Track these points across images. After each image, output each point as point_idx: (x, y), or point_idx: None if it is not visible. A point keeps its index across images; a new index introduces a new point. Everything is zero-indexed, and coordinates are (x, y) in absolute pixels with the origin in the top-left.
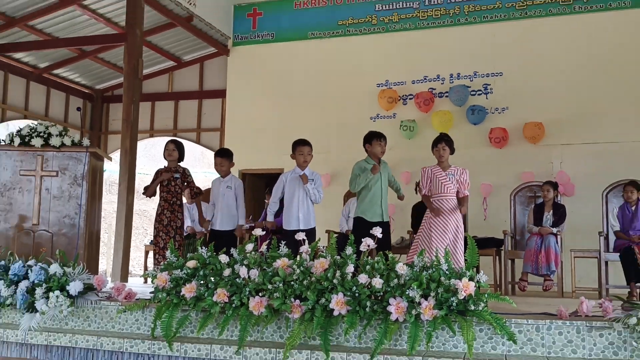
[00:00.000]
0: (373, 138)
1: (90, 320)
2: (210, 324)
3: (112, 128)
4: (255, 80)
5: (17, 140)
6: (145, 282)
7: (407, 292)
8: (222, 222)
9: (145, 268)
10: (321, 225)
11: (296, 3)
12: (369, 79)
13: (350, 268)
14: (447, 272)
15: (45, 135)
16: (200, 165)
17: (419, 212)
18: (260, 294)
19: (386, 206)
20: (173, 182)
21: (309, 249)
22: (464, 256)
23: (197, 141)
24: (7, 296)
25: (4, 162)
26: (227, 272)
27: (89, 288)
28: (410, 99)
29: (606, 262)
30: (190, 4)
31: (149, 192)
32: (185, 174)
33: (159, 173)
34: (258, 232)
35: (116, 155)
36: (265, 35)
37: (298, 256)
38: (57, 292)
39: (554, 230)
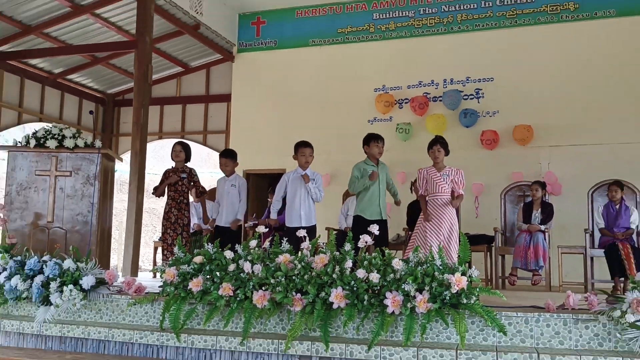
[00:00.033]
0: (371, 140)
1: (102, 313)
2: (215, 316)
3: (123, 130)
4: (259, 85)
5: (32, 142)
6: (154, 276)
7: (402, 286)
8: (227, 219)
9: (154, 263)
10: (321, 223)
11: (298, 12)
12: (366, 84)
13: (348, 263)
14: (440, 267)
15: (60, 137)
16: (206, 165)
17: (414, 210)
18: (263, 288)
19: (384, 205)
20: (180, 182)
21: (310, 245)
22: (457, 252)
23: (204, 143)
24: (23, 290)
25: (21, 162)
26: (232, 267)
27: (100, 282)
28: (405, 103)
29: (592, 258)
30: (197, 12)
31: (158, 192)
32: (191, 174)
33: (167, 173)
34: (261, 229)
35: (127, 156)
36: (268, 43)
37: (299, 252)
38: (70, 286)
39: (542, 227)
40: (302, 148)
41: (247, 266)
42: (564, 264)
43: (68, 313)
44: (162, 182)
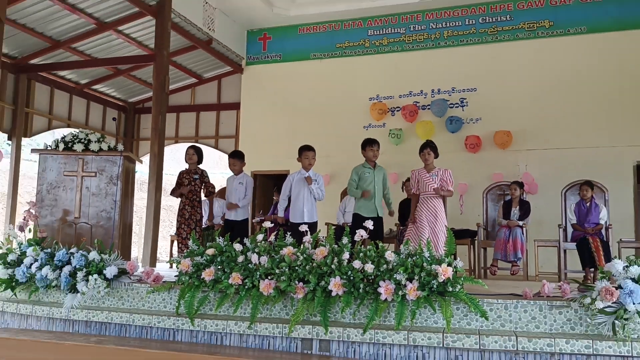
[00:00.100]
0: (366, 144)
1: (124, 300)
2: (226, 303)
3: (143, 135)
4: (265, 94)
5: (61, 146)
6: (171, 267)
7: (394, 276)
8: (236, 213)
9: (171, 255)
10: (321, 219)
11: (300, 29)
12: (362, 94)
13: (346, 255)
14: (428, 259)
15: (86, 142)
16: (218, 167)
17: (405, 208)
18: (269, 277)
19: (379, 203)
20: (193, 182)
21: (311, 239)
22: (444, 243)
23: (216, 147)
24: (52, 279)
25: (51, 164)
26: (240, 258)
27: (122, 272)
28: (397, 110)
29: (565, 250)
30: (209, 29)
31: (174, 194)
32: (203, 175)
33: (181, 175)
34: (267, 224)
35: (146, 159)
36: (273, 56)
37: (302, 245)
38: (95, 276)
39: (520, 223)
40: (306, 151)
41: (254, 258)
42: (539, 255)
43: (93, 300)
44: (177, 184)
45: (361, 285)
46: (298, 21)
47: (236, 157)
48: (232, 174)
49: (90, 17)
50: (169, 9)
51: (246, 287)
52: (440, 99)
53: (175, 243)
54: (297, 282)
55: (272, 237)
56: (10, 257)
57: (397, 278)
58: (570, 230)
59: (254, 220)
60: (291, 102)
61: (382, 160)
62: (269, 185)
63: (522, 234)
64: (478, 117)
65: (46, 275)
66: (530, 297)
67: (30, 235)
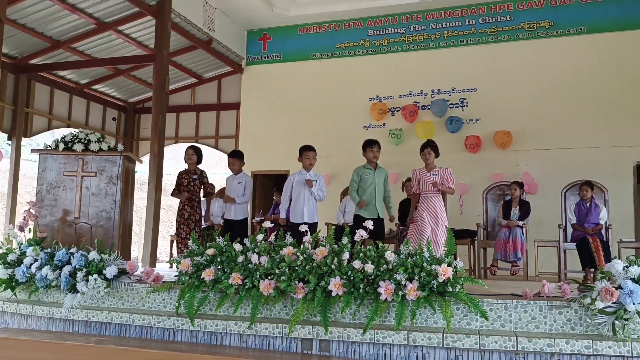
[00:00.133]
0: (366, 146)
1: (124, 300)
2: (226, 303)
3: (143, 135)
4: (265, 94)
5: (61, 146)
6: (171, 267)
7: (394, 276)
8: (236, 213)
9: (171, 255)
10: (321, 219)
11: (300, 29)
12: (362, 94)
13: (346, 255)
14: (428, 259)
15: (86, 142)
16: (218, 167)
17: (405, 208)
18: (269, 277)
19: (380, 205)
20: (192, 183)
21: (311, 239)
22: (445, 241)
23: (216, 147)
24: (52, 279)
25: (51, 164)
26: (240, 258)
27: (122, 272)
28: (397, 111)
29: (564, 251)
30: (209, 29)
31: (175, 196)
32: (202, 175)
33: (180, 175)
34: (267, 224)
35: (146, 159)
36: (274, 56)
37: (302, 245)
38: (95, 276)
39: (520, 223)
40: (306, 151)
41: (254, 258)
42: (539, 256)
43: (93, 300)
44: (177, 185)
45: (361, 285)
46: (298, 21)
47: (235, 157)
48: (231, 173)
49: (90, 17)
50: (169, 9)
51: (246, 287)
52: (440, 99)
53: (175, 243)
54: (297, 282)
55: (272, 237)
56: (10, 257)
57: (397, 278)
58: (570, 230)
59: (254, 220)
60: (291, 102)
61: (382, 161)
62: (269, 185)
63: (522, 234)
64: (478, 117)
65: (46, 275)
66: (530, 297)
67: (30, 235)
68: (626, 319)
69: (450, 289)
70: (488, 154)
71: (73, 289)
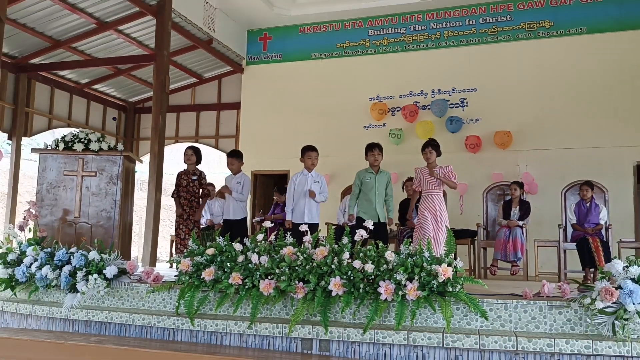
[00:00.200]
0: (368, 150)
1: (124, 300)
2: (226, 303)
3: (143, 135)
4: (266, 94)
5: (61, 145)
6: (171, 267)
7: (394, 276)
8: (235, 213)
9: (171, 255)
10: (321, 219)
11: (301, 29)
12: (362, 94)
13: (346, 255)
14: (428, 258)
15: (86, 141)
16: (218, 167)
17: (405, 208)
18: (269, 277)
19: (381, 209)
20: (192, 183)
21: (311, 239)
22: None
23: (216, 146)
24: (52, 278)
25: (51, 164)
26: (240, 258)
27: (122, 272)
28: (397, 110)
29: (564, 251)
30: (210, 29)
31: (174, 200)
32: (201, 176)
33: (179, 176)
34: (267, 224)
35: (146, 158)
36: (274, 56)
37: (302, 245)
38: (95, 275)
39: (520, 223)
40: (309, 152)
41: (254, 257)
42: (539, 256)
43: (93, 299)
44: (176, 185)
45: (361, 285)
46: (298, 21)
47: (234, 157)
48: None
49: (90, 16)
50: (169, 9)
51: (246, 287)
52: (440, 99)
53: (174, 243)
54: (297, 282)
55: (272, 237)
56: (10, 257)
57: (397, 278)
58: (570, 230)
59: (253, 220)
60: (291, 102)
61: (382, 161)
62: (269, 185)
63: (522, 234)
64: (478, 117)
65: (46, 275)
66: (530, 297)
67: (30, 235)
68: (626, 319)
69: (450, 289)
70: (488, 154)
71: (73, 288)
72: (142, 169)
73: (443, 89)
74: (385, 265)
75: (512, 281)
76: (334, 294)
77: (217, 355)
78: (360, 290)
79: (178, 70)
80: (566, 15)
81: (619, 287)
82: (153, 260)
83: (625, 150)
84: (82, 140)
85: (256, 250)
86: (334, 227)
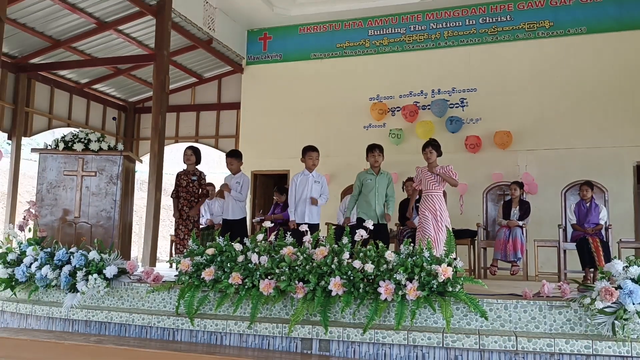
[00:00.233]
0: (368, 151)
1: (124, 299)
2: (226, 302)
3: (143, 135)
4: (266, 94)
5: (61, 145)
6: (171, 266)
7: (394, 276)
8: (234, 212)
9: (171, 255)
10: (321, 219)
11: (301, 29)
12: (362, 94)
13: (346, 255)
14: (428, 258)
15: (86, 141)
16: (218, 167)
17: (405, 208)
18: (269, 277)
19: (380, 211)
20: (191, 184)
21: (311, 239)
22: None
23: (216, 146)
24: (52, 278)
25: (51, 164)
26: (240, 258)
27: (122, 272)
28: (397, 110)
29: (564, 251)
30: (210, 29)
31: (173, 203)
32: (200, 177)
33: (179, 176)
34: (267, 224)
35: (146, 158)
36: (274, 56)
37: (302, 245)
38: (95, 275)
39: (520, 223)
40: (310, 152)
41: (254, 257)
42: (539, 256)
43: (93, 299)
44: (176, 185)
45: (361, 285)
46: (298, 21)
47: (233, 157)
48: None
49: (90, 16)
50: (169, 9)
51: (246, 287)
52: (440, 99)
53: (174, 243)
54: (297, 282)
55: (272, 237)
56: (10, 257)
57: (397, 278)
58: (570, 230)
59: (253, 220)
60: (291, 102)
61: (382, 161)
62: (268, 184)
63: (522, 234)
64: (478, 117)
65: (46, 275)
66: (530, 297)
67: (30, 235)
68: (626, 319)
69: (450, 289)
70: (488, 154)
71: (73, 288)
72: (142, 169)
73: (443, 89)
74: (385, 265)
75: (512, 281)
76: (333, 294)
77: (217, 355)
78: (360, 290)
79: (178, 70)
80: (566, 15)
81: (618, 287)
82: (153, 260)
83: (625, 150)
84: (82, 140)
85: (256, 250)
86: (334, 227)
